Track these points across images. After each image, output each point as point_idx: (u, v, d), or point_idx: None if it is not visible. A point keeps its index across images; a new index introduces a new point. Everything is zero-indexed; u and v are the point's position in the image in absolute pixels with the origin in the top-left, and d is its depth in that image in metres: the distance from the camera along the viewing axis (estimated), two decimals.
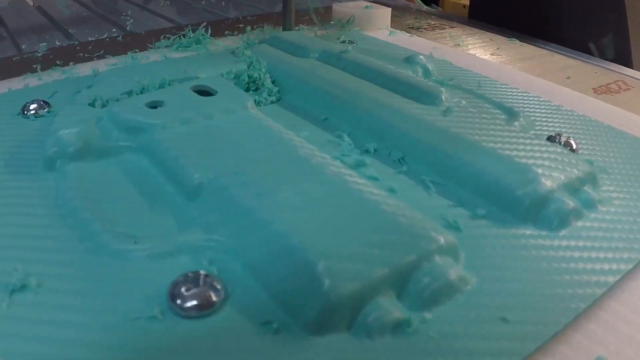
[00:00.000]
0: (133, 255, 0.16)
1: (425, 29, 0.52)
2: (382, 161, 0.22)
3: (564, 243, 0.17)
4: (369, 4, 0.42)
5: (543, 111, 0.27)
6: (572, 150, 0.23)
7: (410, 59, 0.29)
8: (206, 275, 0.15)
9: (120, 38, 0.46)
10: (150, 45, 0.36)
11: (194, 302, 0.14)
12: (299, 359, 0.13)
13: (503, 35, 0.49)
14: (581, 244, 0.17)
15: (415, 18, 0.55)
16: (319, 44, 0.31)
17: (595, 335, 0.14)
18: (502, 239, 0.17)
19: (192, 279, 0.15)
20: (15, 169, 0.21)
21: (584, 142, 0.24)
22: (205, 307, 0.14)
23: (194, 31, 0.37)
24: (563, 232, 0.18)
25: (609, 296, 0.16)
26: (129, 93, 0.25)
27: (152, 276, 0.16)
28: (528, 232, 0.18)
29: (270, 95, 0.27)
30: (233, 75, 0.27)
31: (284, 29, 0.35)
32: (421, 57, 0.30)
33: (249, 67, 0.28)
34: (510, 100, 0.28)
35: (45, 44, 0.49)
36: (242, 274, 0.16)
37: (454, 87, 0.29)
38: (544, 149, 0.21)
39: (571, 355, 0.14)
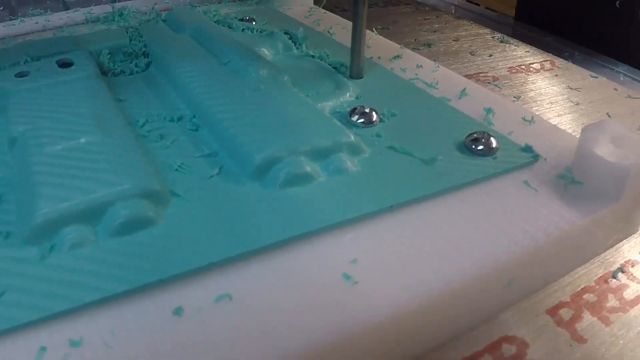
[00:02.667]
0: None
1: (377, 5, 0.53)
2: (179, 127, 0.25)
3: (276, 199, 0.20)
4: None
5: (385, 83, 0.29)
6: (369, 122, 0.25)
7: (273, 35, 0.32)
8: None
9: (91, 10, 0.51)
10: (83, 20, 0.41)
11: None
12: (8, 256, 0.18)
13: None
14: (287, 201, 0.20)
15: None
16: (197, 21, 0.34)
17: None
18: (219, 191, 0.20)
19: None
20: None
21: (400, 111, 0.26)
22: None
23: None
24: (287, 191, 0.20)
25: None
26: (15, 64, 0.30)
27: None
28: (249, 188, 0.20)
29: (137, 67, 0.31)
30: (109, 51, 0.31)
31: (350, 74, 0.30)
32: (285, 33, 0.32)
33: (130, 42, 0.32)
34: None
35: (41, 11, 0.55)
36: (12, 201, 0.20)
37: (308, 60, 0.31)
38: (318, 119, 0.23)
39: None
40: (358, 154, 0.22)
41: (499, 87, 0.35)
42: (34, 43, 0.33)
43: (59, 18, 0.52)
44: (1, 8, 0.63)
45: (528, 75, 0.37)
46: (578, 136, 0.23)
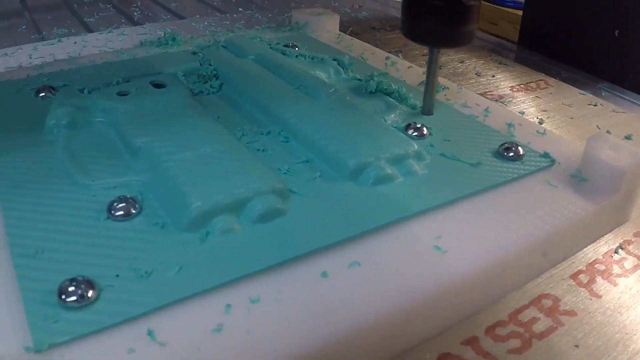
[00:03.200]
0: (92, 187, 0.26)
1: (385, 29, 0.60)
2: (271, 139, 0.31)
3: (371, 194, 0.26)
4: (322, 10, 0.51)
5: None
6: (421, 135, 0.31)
7: (324, 61, 0.38)
8: (131, 198, 0.25)
9: (124, 32, 0.56)
10: (147, 38, 0.46)
11: (120, 212, 0.24)
12: (165, 240, 0.23)
13: None
14: (380, 195, 0.26)
15: (381, 21, 0.63)
16: (257, 48, 0.40)
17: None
18: (326, 188, 0.26)
19: (122, 199, 0.25)
20: (31, 132, 0.31)
21: (443, 127, 0.33)
22: (127, 216, 0.24)
23: None
24: (377, 188, 0.27)
25: None
26: (108, 84, 0.35)
27: (101, 199, 0.25)
28: (347, 187, 0.26)
29: (212, 87, 0.36)
30: (183, 73, 0.36)
31: (423, 111, 0.34)
32: (334, 59, 0.38)
33: (201, 65, 0.38)
34: (400, 94, 0.36)
35: (66, 30, 0.60)
36: (152, 199, 0.25)
37: (357, 82, 0.37)
38: (388, 132, 0.30)
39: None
40: (422, 160, 0.29)
41: (505, 104, 0.42)
42: (114, 65, 0.38)
43: (96, 39, 0.58)
44: (24, 27, 0.67)
45: (527, 93, 0.45)
46: (579, 144, 0.29)
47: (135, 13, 0.71)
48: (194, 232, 0.23)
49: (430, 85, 0.33)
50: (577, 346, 0.23)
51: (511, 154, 0.30)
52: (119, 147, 0.30)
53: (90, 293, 0.20)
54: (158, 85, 0.34)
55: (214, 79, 0.37)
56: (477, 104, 0.36)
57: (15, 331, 0.19)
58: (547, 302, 0.25)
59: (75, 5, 0.75)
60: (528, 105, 0.42)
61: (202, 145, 0.27)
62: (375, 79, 0.36)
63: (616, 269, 0.27)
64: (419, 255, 0.23)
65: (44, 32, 0.63)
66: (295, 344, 0.19)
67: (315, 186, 0.26)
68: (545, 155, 0.30)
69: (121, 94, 0.33)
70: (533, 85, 0.46)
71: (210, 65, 0.38)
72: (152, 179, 0.27)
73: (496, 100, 0.42)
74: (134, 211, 0.24)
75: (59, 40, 0.57)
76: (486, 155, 0.30)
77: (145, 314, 0.20)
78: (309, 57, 0.40)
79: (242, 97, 0.35)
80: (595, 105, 0.42)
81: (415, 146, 0.29)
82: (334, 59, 0.39)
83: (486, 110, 0.35)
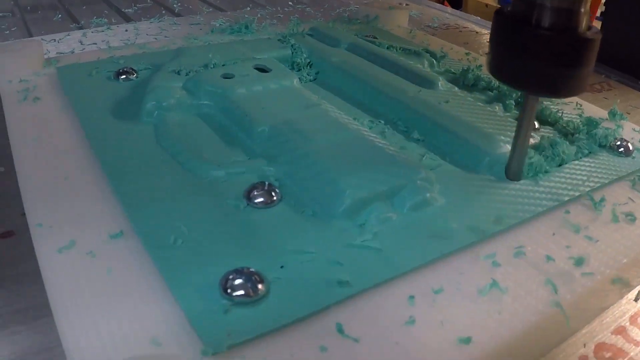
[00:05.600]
0: (216, 174, 0.25)
1: (440, 28, 0.60)
2: (390, 128, 0.30)
3: (510, 186, 0.26)
4: (392, 4, 0.51)
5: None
6: (535, 128, 0.32)
7: (418, 53, 0.38)
8: (269, 184, 0.24)
9: (176, 22, 0.56)
10: (200, 28, 0.45)
11: (261, 199, 0.23)
12: (322, 228, 0.22)
13: None
14: (519, 188, 0.26)
15: (433, 18, 0.64)
16: (348, 37, 0.39)
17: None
18: (465, 179, 0.26)
19: (260, 186, 0.24)
20: (126, 115, 0.30)
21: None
22: (268, 203, 0.23)
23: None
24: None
25: None
26: (205, 66, 0.34)
27: (233, 186, 0.24)
28: (484, 178, 0.26)
29: (308, 75, 0.36)
30: (278, 59, 0.36)
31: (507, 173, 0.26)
32: (427, 52, 0.38)
33: (292, 53, 0.37)
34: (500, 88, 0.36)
35: (105, 20, 0.59)
36: (291, 186, 0.24)
37: (452, 76, 0.37)
38: (505, 123, 0.30)
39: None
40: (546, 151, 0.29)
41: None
42: (203, 49, 0.37)
43: (147, 27, 0.57)
44: (59, 16, 0.66)
45: (594, 94, 0.45)
46: None
47: (175, 5, 0.70)
48: (348, 221, 0.22)
49: (520, 142, 0.24)
50: None
51: (621, 150, 0.30)
52: (233, 131, 0.29)
53: (260, 286, 0.18)
54: (261, 70, 0.33)
55: (308, 67, 0.36)
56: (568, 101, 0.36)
57: (175, 331, 0.17)
58: None
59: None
60: (600, 105, 0.43)
61: (334, 132, 0.27)
62: (472, 72, 0.36)
63: None
64: (579, 240, 0.23)
65: (82, 22, 0.61)
66: (490, 332, 0.18)
67: (455, 176, 0.26)
68: None
69: (225, 77, 0.32)
70: (597, 86, 0.47)
71: (303, 53, 0.37)
72: (288, 165, 0.25)
73: None
74: (275, 198, 0.23)
75: (108, 28, 0.55)
76: (601, 150, 0.30)
77: (326, 309, 0.18)
78: (400, 49, 0.39)
79: (347, 86, 0.34)
80: None
81: (538, 138, 0.29)
82: (427, 51, 0.39)
83: (579, 106, 0.36)
